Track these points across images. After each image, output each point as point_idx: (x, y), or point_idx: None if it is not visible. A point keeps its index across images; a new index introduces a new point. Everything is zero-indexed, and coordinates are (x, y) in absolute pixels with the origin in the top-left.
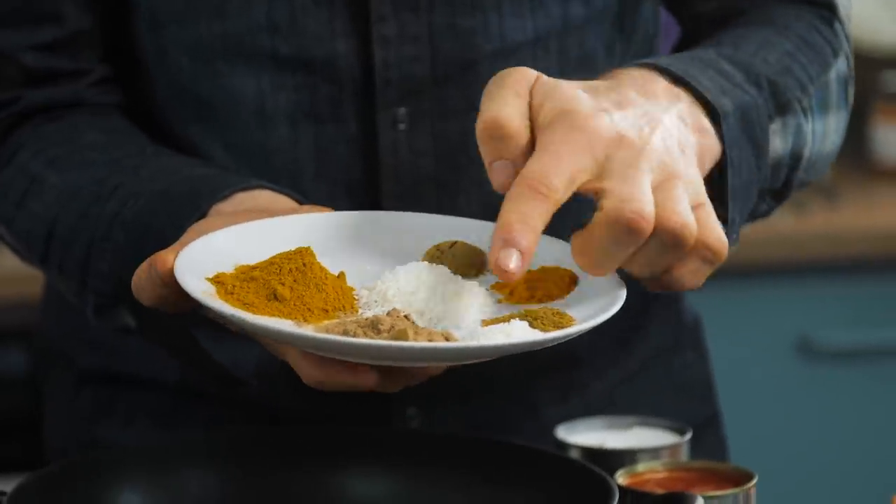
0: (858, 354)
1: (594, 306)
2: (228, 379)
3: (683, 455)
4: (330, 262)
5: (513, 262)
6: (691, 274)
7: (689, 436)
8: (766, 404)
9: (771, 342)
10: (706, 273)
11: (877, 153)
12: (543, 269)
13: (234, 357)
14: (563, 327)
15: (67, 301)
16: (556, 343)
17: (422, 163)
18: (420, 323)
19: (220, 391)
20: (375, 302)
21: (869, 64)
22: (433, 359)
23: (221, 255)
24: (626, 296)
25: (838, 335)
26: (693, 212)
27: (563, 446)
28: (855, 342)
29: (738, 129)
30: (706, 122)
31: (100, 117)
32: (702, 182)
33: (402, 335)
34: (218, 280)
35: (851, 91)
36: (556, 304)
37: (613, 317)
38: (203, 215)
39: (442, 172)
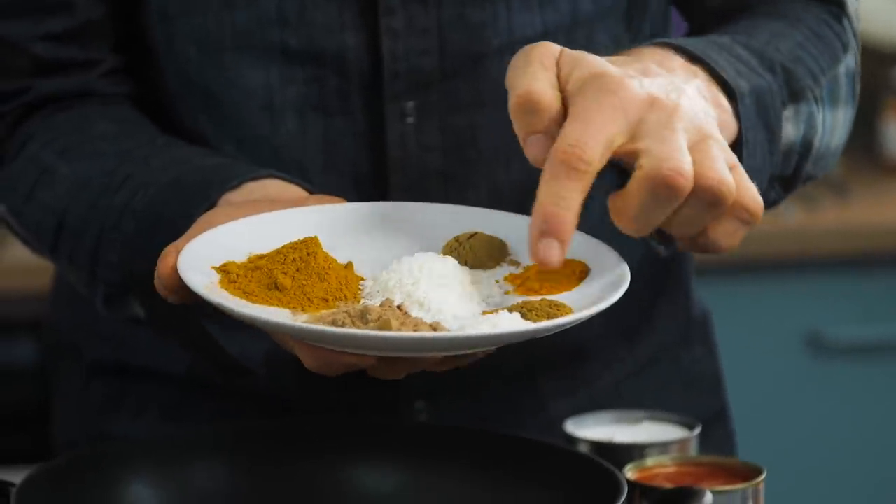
0: (868, 350)
1: (594, 297)
2: (237, 369)
3: (692, 450)
4: (347, 253)
5: (554, 254)
6: (727, 235)
7: (698, 430)
8: (775, 400)
9: (781, 337)
10: (741, 234)
11: (887, 149)
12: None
13: (243, 347)
14: (555, 318)
15: (77, 293)
16: (544, 334)
17: (430, 156)
18: (419, 314)
19: (229, 383)
20: (378, 292)
21: (879, 60)
22: (414, 349)
23: (226, 248)
24: (634, 288)
25: (848, 330)
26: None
27: (572, 440)
28: (864, 337)
29: (753, 112)
30: (723, 100)
31: (110, 107)
32: (728, 148)
33: (385, 325)
34: (224, 269)
35: (858, 87)
36: (563, 297)
37: (615, 308)
38: (213, 205)
39: (450, 166)
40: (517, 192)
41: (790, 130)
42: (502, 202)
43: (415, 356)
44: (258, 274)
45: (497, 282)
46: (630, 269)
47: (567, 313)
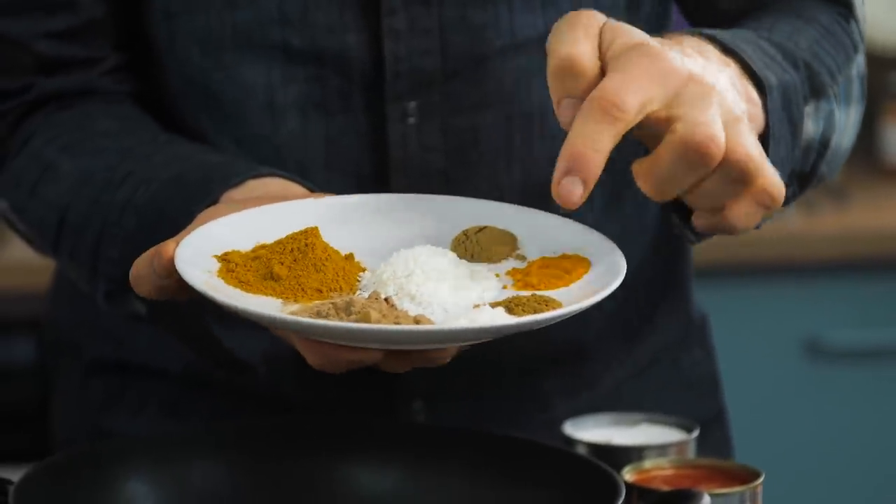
0: (866, 355)
1: (587, 294)
2: (236, 366)
3: (690, 452)
4: (355, 244)
5: (576, 192)
6: (745, 216)
7: (696, 433)
8: (774, 404)
9: (779, 342)
10: (759, 218)
11: (886, 154)
12: (564, 257)
13: (243, 344)
14: (539, 313)
15: (77, 291)
16: (520, 329)
17: (431, 157)
18: (409, 306)
19: (228, 380)
20: (374, 284)
21: (878, 64)
22: (387, 341)
23: (226, 239)
24: (635, 291)
25: (846, 335)
26: None
27: (570, 442)
28: (863, 342)
29: (779, 105)
30: (754, 93)
31: (112, 105)
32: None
33: (365, 318)
34: (226, 258)
35: (865, 89)
36: (559, 292)
37: (616, 310)
38: (214, 202)
39: (451, 167)
40: (518, 194)
41: (810, 127)
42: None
43: (394, 349)
44: (256, 263)
45: (498, 276)
46: (631, 271)
47: (555, 307)
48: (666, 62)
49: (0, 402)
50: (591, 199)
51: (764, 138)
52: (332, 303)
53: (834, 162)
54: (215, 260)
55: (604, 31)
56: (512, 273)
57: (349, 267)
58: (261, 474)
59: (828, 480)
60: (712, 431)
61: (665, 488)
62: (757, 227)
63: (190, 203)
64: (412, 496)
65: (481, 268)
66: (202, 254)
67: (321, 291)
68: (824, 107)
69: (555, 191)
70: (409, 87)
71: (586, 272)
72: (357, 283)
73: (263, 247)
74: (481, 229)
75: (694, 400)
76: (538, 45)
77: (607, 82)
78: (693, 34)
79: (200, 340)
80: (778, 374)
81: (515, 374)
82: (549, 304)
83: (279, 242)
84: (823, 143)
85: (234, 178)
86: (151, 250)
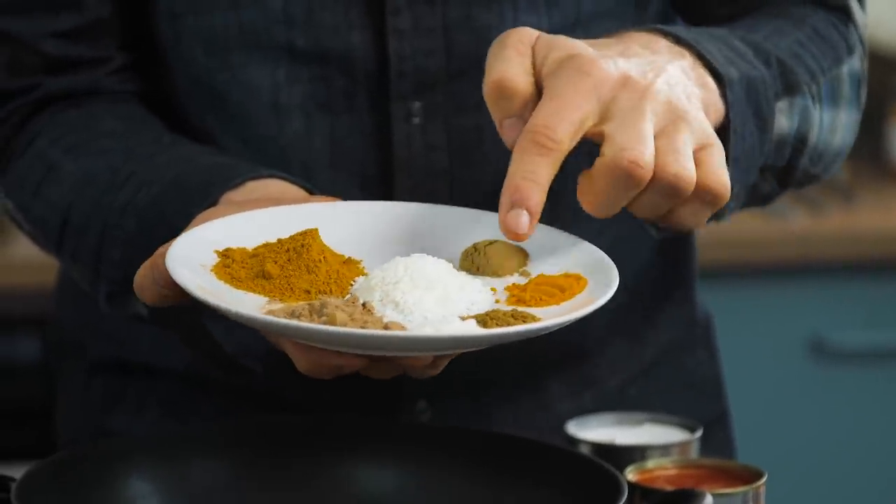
0: (871, 356)
1: (566, 312)
2: (237, 367)
3: (693, 452)
4: (363, 251)
5: (522, 223)
6: (692, 215)
7: (699, 433)
8: (778, 404)
9: (784, 342)
10: (707, 214)
11: (892, 154)
12: (565, 276)
13: (244, 345)
14: (505, 327)
15: (81, 290)
16: (486, 342)
17: (435, 157)
18: (392, 314)
19: (230, 381)
20: (363, 289)
21: (884, 66)
22: (349, 344)
23: (217, 244)
24: (640, 292)
25: (851, 336)
26: (699, 153)
27: (573, 441)
28: (868, 343)
29: (742, 99)
30: (710, 80)
31: (118, 105)
32: (710, 127)
33: (331, 320)
34: (226, 253)
35: (864, 93)
36: (548, 309)
37: (621, 311)
38: (214, 204)
39: (455, 167)
40: None
41: (784, 122)
42: None
43: (360, 353)
44: (253, 261)
45: (494, 290)
46: (635, 272)
47: (530, 322)
48: (597, 72)
49: (5, 400)
50: None
51: (724, 129)
52: (310, 304)
53: (823, 161)
54: (215, 255)
55: (537, 47)
56: (510, 288)
57: (345, 271)
58: (262, 473)
59: (831, 481)
60: (715, 432)
61: (668, 488)
62: (717, 220)
63: (189, 205)
64: (414, 496)
65: (477, 281)
66: (197, 250)
67: (309, 293)
68: (799, 103)
69: (502, 223)
70: (414, 86)
71: (580, 292)
72: (349, 287)
73: (266, 245)
74: (491, 243)
75: (697, 400)
76: None
77: (539, 112)
78: (646, 30)
79: (201, 341)
80: (783, 375)
81: (519, 374)
82: (525, 319)
83: (279, 242)
84: (800, 139)
85: (233, 180)
86: (150, 261)
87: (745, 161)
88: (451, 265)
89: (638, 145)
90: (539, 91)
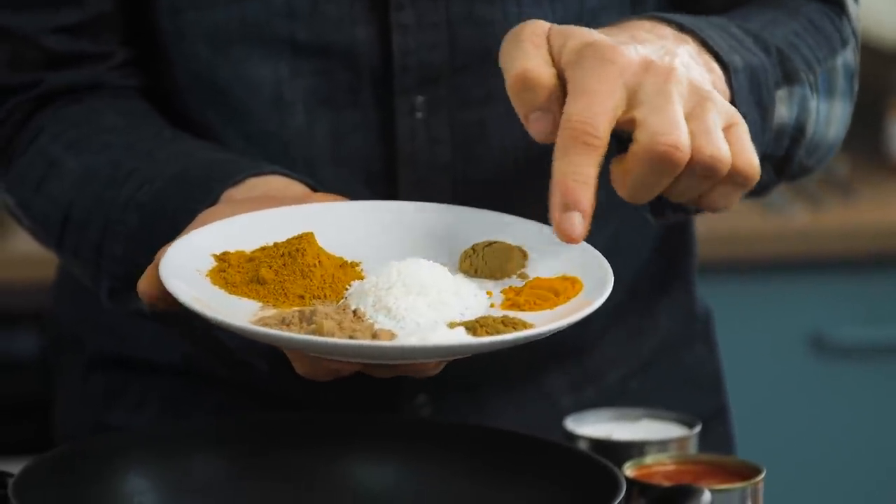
0: (871, 351)
1: (559, 317)
2: (239, 363)
3: (692, 448)
4: (365, 253)
5: (577, 226)
6: (723, 197)
7: (697, 429)
8: (778, 400)
9: (784, 337)
10: (738, 196)
11: (892, 149)
12: (562, 278)
13: (248, 343)
14: (494, 336)
15: (79, 286)
16: (472, 351)
17: (438, 151)
18: (384, 319)
19: (231, 377)
20: (357, 294)
21: (883, 60)
22: (337, 354)
23: (214, 247)
24: (640, 287)
25: (851, 331)
26: (727, 133)
27: (571, 437)
28: (868, 339)
29: (746, 88)
30: (715, 66)
31: (119, 100)
32: (730, 105)
33: (319, 329)
34: (223, 258)
35: (856, 86)
36: (542, 314)
37: (621, 306)
38: (215, 200)
39: (458, 162)
40: (526, 188)
41: (783, 111)
42: (511, 198)
43: (344, 360)
44: (249, 266)
45: (490, 294)
46: (635, 267)
47: (521, 328)
48: (620, 59)
49: (3, 395)
50: (595, 188)
51: None
52: (300, 311)
53: (818, 153)
54: (212, 259)
55: (552, 37)
56: (506, 291)
57: (340, 275)
58: (261, 469)
59: (830, 477)
60: (714, 427)
61: (666, 484)
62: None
63: (191, 201)
64: (411, 491)
65: (474, 284)
66: (193, 256)
67: (303, 298)
68: (798, 92)
69: (557, 229)
70: (417, 81)
71: (575, 296)
72: (344, 292)
73: (263, 249)
74: (490, 244)
75: (696, 395)
76: None
77: (573, 107)
78: (647, 17)
79: (204, 338)
80: (782, 370)
81: (520, 368)
82: (515, 326)
83: (276, 245)
84: (798, 129)
85: (234, 177)
86: (153, 265)
87: None
88: (446, 269)
89: (673, 130)
90: (562, 82)
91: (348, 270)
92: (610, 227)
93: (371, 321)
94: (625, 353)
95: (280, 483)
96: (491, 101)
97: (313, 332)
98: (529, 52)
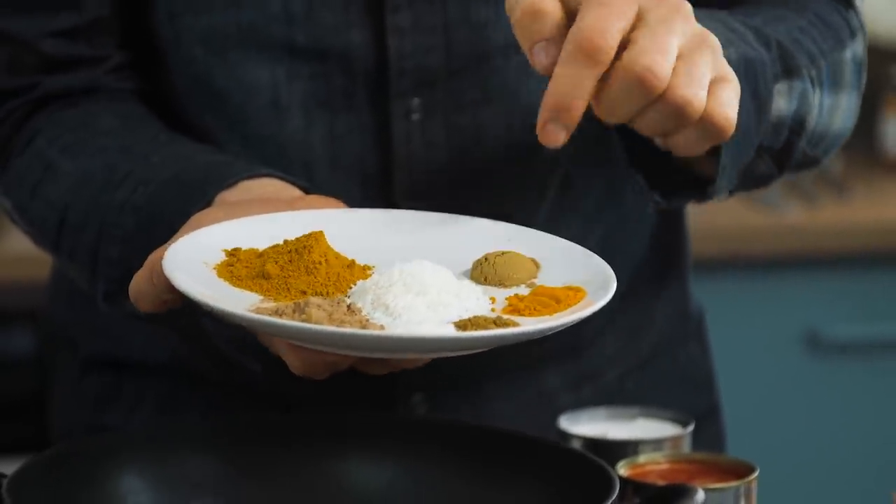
0: (866, 348)
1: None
2: (234, 364)
3: (686, 447)
4: (380, 257)
5: (560, 136)
6: (690, 142)
7: (691, 428)
8: (773, 397)
9: (779, 335)
10: (705, 146)
11: (887, 146)
12: (567, 288)
13: (240, 343)
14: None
15: (74, 287)
16: (458, 349)
17: (434, 154)
18: (381, 317)
19: (226, 378)
20: (360, 292)
21: (879, 57)
22: (322, 342)
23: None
24: (636, 286)
25: (846, 329)
26: (714, 84)
27: (565, 436)
28: (863, 336)
29: (741, 79)
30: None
31: (116, 103)
32: (728, 65)
33: (308, 318)
34: (233, 253)
35: (864, 76)
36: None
37: (618, 305)
38: (209, 203)
39: (454, 164)
40: (522, 190)
41: (782, 104)
42: (506, 201)
43: (334, 350)
44: (257, 261)
45: (494, 300)
46: (631, 265)
47: (508, 327)
48: None
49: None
50: (590, 187)
51: None
52: (296, 303)
53: (822, 144)
54: (223, 253)
55: None
56: (510, 298)
57: (347, 274)
58: (255, 469)
59: (823, 475)
60: (707, 426)
61: (660, 483)
62: (705, 200)
63: (186, 204)
64: (405, 490)
65: (478, 290)
66: (201, 250)
67: (305, 293)
68: (798, 86)
69: (540, 133)
70: (413, 84)
71: (575, 304)
72: (348, 290)
73: (273, 246)
74: (503, 254)
75: (690, 394)
76: None
77: (584, 21)
78: None
79: (199, 340)
80: (777, 368)
81: (516, 367)
82: (507, 325)
83: (285, 243)
84: (798, 122)
85: (228, 179)
86: (145, 267)
87: (741, 141)
88: (451, 273)
89: (657, 55)
90: (570, 18)
91: (356, 271)
92: (602, 228)
93: (364, 315)
94: (622, 351)
95: (275, 483)
96: (487, 104)
97: (302, 321)
98: None
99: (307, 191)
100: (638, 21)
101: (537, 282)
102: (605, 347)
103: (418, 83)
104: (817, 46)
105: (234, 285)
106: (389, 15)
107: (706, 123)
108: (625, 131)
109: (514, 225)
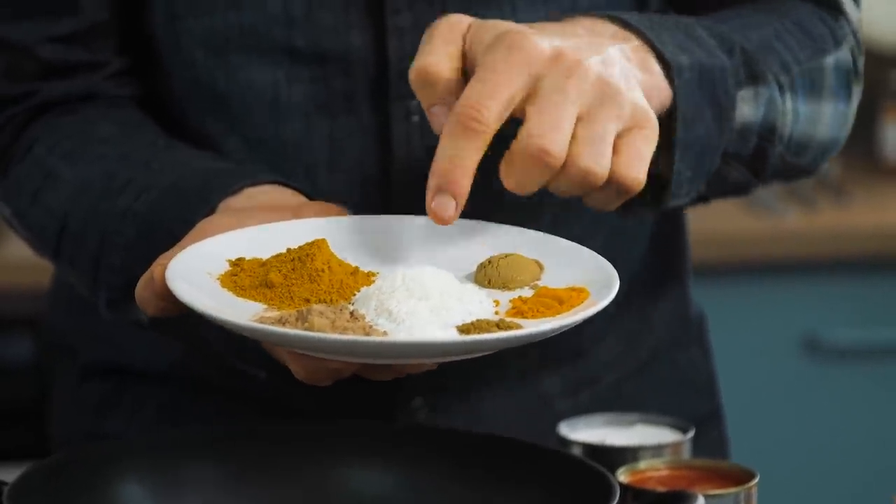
0: (865, 353)
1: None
2: (237, 372)
3: (685, 453)
4: (384, 264)
5: (449, 209)
6: (604, 200)
7: (691, 434)
8: (772, 402)
9: (778, 340)
10: (617, 202)
11: (885, 151)
12: (570, 289)
13: (244, 350)
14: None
15: (74, 294)
16: (462, 353)
17: (433, 156)
18: (385, 323)
19: (227, 385)
20: (363, 299)
21: (877, 63)
22: (326, 350)
23: (218, 259)
24: (635, 291)
25: (845, 333)
26: (621, 139)
27: (565, 442)
28: (862, 341)
29: (695, 86)
30: (654, 65)
31: (115, 109)
32: (646, 107)
33: (310, 327)
34: (237, 262)
35: (857, 87)
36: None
37: (617, 310)
38: (212, 210)
39: None
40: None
41: (746, 111)
42: (504, 203)
43: (338, 358)
44: (261, 270)
45: (498, 303)
46: (630, 269)
47: (511, 329)
48: (529, 47)
49: None
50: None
51: (672, 114)
52: (299, 311)
53: (808, 152)
54: (227, 263)
55: (469, 33)
56: (514, 301)
57: (350, 281)
58: (256, 476)
59: (824, 480)
60: (708, 431)
61: (660, 489)
62: (668, 204)
63: (188, 211)
64: (405, 498)
65: (482, 293)
66: (205, 260)
67: (309, 301)
68: (764, 93)
69: (428, 208)
70: None
71: (578, 304)
72: (352, 297)
73: (277, 255)
74: (506, 256)
75: (691, 398)
76: None
77: (467, 93)
78: (596, 15)
79: (202, 348)
80: (776, 373)
81: (516, 372)
82: (510, 328)
83: (288, 251)
84: (767, 129)
85: (232, 186)
86: (147, 274)
87: (697, 148)
88: (453, 276)
89: (549, 133)
90: (467, 77)
91: (359, 278)
92: (601, 235)
93: (368, 322)
94: (621, 356)
95: (275, 490)
96: None
97: (305, 330)
98: (435, 47)
99: (310, 197)
100: (532, 91)
101: (541, 283)
102: (603, 353)
103: None
104: (792, 54)
105: (237, 295)
106: (390, 17)
107: (613, 185)
108: None
109: (516, 227)
